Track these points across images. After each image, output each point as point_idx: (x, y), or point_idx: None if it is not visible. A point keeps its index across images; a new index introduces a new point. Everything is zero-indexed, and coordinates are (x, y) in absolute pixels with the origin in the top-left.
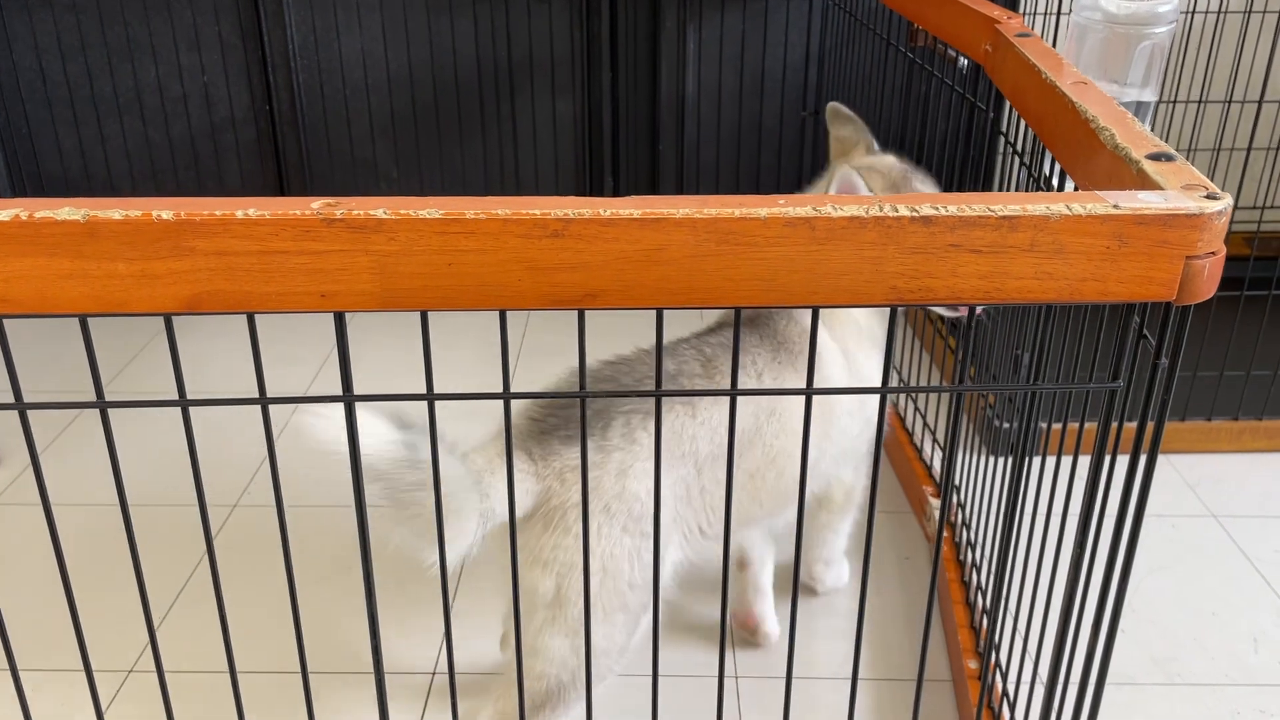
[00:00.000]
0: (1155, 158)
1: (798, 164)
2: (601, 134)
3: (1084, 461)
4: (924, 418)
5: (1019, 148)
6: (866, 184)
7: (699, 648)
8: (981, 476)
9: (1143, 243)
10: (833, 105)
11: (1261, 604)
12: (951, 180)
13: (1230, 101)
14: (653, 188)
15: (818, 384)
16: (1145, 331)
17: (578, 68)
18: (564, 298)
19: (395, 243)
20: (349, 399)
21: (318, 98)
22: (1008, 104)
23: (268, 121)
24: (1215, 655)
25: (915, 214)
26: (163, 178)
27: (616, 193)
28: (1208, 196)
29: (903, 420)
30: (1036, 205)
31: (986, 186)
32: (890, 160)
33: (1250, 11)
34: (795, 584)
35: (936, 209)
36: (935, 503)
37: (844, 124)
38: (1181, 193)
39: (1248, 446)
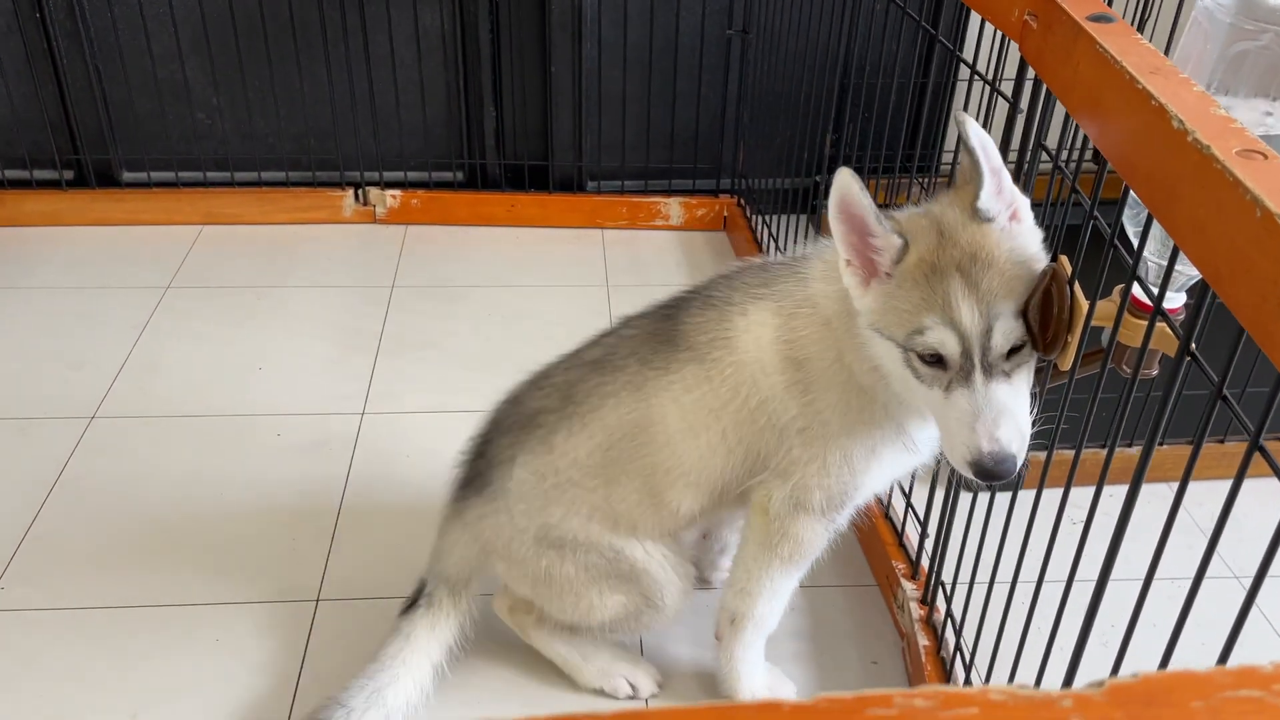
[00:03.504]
0: None
1: (721, 93)
2: (479, 52)
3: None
4: None
5: (1070, 176)
6: (902, 233)
7: None
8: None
9: None
10: (958, 115)
11: None
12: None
13: None
14: (544, 119)
15: (736, 388)
16: None
17: None
18: None
19: None
20: None
21: (104, 3)
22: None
23: (39, 33)
24: None
25: None
26: None
27: (500, 125)
28: None
29: None
30: None
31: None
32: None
33: None
34: None
35: None
36: (909, 587)
37: (965, 151)
38: None
39: None
